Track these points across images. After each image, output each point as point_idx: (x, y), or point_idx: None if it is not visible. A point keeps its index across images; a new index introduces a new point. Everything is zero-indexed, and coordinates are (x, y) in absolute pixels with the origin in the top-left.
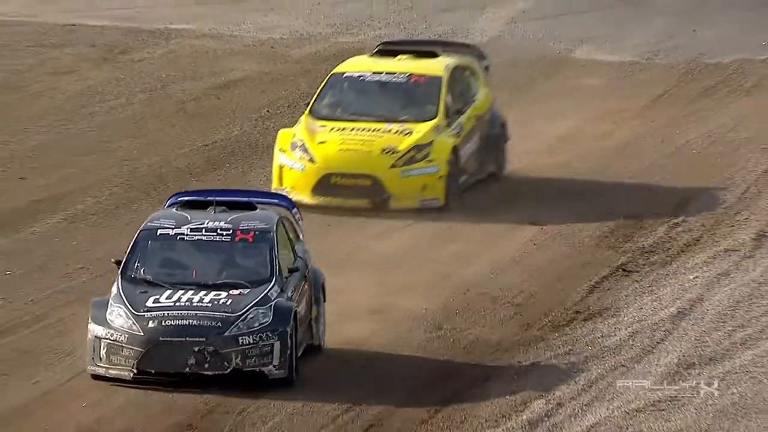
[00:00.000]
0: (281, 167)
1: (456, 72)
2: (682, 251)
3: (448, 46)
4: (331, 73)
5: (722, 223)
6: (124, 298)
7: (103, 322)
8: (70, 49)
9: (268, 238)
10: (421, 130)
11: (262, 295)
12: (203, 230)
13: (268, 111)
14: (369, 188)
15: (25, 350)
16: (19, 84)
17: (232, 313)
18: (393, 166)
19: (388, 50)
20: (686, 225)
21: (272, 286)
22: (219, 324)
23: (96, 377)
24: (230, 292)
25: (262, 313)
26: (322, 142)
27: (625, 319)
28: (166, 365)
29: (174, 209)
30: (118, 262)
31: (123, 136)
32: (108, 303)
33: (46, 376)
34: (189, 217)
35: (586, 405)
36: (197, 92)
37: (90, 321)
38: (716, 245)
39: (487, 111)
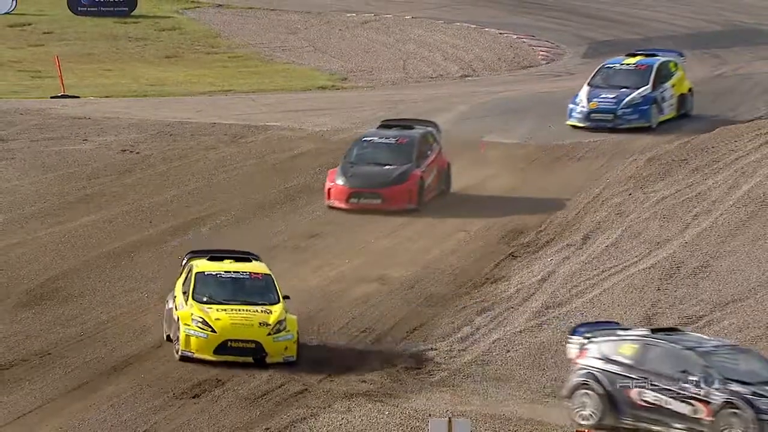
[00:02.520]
0: (187, 336)
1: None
2: (544, 245)
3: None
4: (196, 271)
5: (565, 230)
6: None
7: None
8: (212, 137)
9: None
10: (276, 310)
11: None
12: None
13: (318, 168)
14: (253, 349)
15: None
16: (185, 155)
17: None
18: (268, 334)
19: (215, 257)
20: (546, 231)
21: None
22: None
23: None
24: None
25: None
26: (218, 319)
27: (513, 282)
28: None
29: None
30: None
31: (241, 184)
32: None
33: None
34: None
35: (492, 329)
36: (281, 160)
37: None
38: (562, 242)
39: None
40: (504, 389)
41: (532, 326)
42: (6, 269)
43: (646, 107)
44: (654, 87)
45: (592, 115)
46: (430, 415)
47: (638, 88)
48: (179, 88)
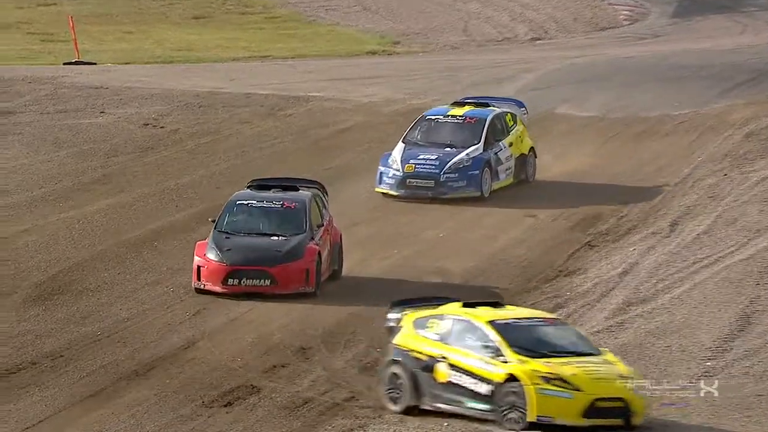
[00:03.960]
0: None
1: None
2: (626, 233)
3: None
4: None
5: (650, 216)
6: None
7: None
8: (247, 109)
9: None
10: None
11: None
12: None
13: (367, 146)
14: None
15: None
16: (216, 130)
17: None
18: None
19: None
20: (627, 217)
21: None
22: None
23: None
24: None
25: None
26: None
27: (590, 275)
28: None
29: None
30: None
31: (279, 163)
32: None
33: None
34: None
35: None
36: (324, 135)
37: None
38: (646, 229)
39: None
40: None
41: (611, 326)
42: (13, 260)
43: (475, 172)
44: (486, 146)
45: (409, 180)
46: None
47: (466, 147)
48: (209, 53)
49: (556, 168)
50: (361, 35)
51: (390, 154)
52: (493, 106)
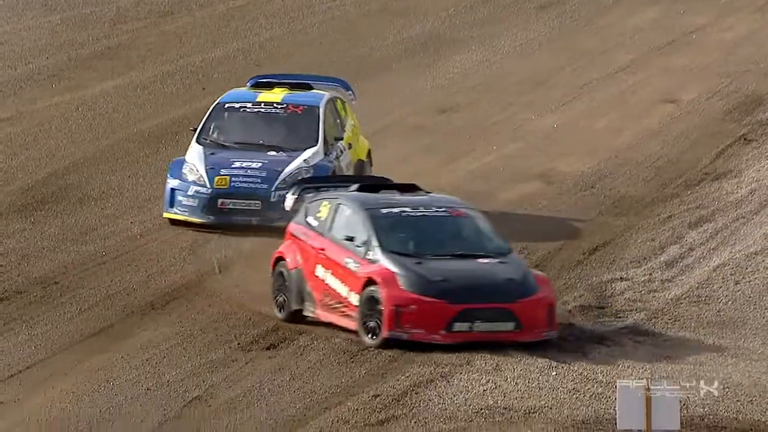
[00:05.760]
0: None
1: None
2: None
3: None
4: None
5: None
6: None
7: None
8: None
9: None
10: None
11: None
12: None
13: (453, 10)
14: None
15: None
16: None
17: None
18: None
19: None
20: None
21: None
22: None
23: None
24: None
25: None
26: None
27: (746, 179)
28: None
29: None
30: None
31: (336, 32)
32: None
33: None
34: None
35: (712, 249)
36: None
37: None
38: None
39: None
40: (730, 340)
41: None
42: None
43: None
44: (325, 147)
45: (222, 201)
46: (617, 377)
47: (299, 150)
48: None
49: (711, 31)
50: None
51: (183, 162)
52: (317, 88)
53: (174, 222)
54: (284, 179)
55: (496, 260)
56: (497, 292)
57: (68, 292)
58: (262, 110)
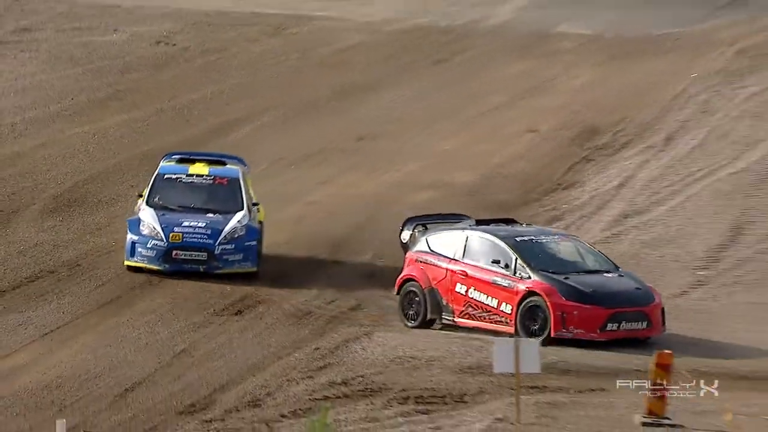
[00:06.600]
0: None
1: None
2: (622, 147)
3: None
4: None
5: (645, 130)
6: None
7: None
8: (254, 27)
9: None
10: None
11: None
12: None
13: (368, 64)
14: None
15: None
16: (223, 48)
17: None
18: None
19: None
20: (623, 132)
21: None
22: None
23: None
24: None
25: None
26: None
27: (587, 188)
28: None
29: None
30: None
31: (286, 80)
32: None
33: None
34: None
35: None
36: (328, 53)
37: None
38: (642, 143)
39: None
40: None
41: (608, 237)
42: (31, 172)
43: (252, 243)
44: (249, 212)
45: (176, 252)
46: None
47: (230, 213)
48: None
49: (562, 81)
50: None
51: (139, 220)
52: (228, 163)
53: (132, 269)
54: (225, 236)
55: (615, 274)
56: (634, 298)
57: (87, 272)
58: (195, 181)
